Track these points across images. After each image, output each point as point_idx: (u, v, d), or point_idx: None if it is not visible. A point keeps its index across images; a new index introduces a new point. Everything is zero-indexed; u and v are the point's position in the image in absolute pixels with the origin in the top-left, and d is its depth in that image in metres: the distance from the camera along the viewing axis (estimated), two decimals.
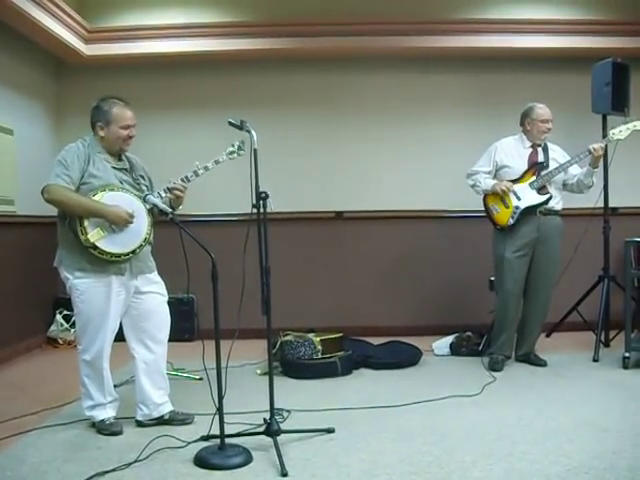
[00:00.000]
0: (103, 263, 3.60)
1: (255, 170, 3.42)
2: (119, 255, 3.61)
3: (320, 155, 6.72)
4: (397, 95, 6.72)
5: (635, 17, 6.38)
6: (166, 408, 3.88)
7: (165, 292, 3.94)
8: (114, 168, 3.74)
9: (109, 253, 3.57)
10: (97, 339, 3.68)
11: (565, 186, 5.23)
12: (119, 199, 3.60)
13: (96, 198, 3.56)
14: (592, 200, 5.70)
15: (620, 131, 5.00)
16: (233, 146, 3.91)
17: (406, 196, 6.69)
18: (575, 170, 5.15)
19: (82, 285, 3.63)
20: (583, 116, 6.05)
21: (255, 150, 3.43)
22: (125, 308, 3.78)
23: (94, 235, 3.54)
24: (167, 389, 3.94)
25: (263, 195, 3.43)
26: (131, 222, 3.60)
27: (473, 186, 5.30)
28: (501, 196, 5.11)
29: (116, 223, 3.57)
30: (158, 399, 3.85)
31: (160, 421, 3.83)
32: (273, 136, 6.30)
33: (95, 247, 3.55)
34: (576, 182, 5.16)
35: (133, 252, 3.67)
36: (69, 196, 3.54)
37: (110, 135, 3.72)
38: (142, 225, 3.70)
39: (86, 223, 3.54)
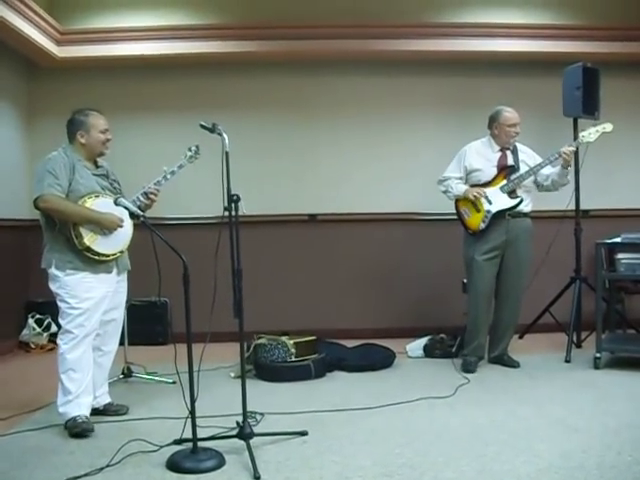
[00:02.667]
0: (94, 263, 3.84)
1: (227, 173, 3.41)
2: (109, 255, 3.89)
3: (292, 158, 6.73)
4: (369, 98, 6.74)
5: (605, 22, 6.47)
6: (104, 400, 4.12)
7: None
8: (94, 175, 3.98)
9: (101, 254, 3.84)
10: (82, 334, 3.79)
11: (539, 187, 5.27)
12: (110, 206, 3.75)
13: (87, 204, 3.80)
14: (564, 202, 5.78)
15: (590, 134, 5.05)
16: (190, 150, 4.26)
17: (379, 199, 6.72)
18: (547, 170, 5.17)
19: (72, 281, 3.79)
20: (554, 119, 6.11)
21: (227, 153, 3.42)
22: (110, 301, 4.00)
23: (89, 239, 3.78)
24: (106, 382, 4.19)
25: (235, 198, 3.42)
26: (122, 227, 3.87)
27: (445, 192, 5.33)
28: (472, 200, 5.14)
29: (109, 228, 3.85)
30: (98, 391, 4.05)
31: (95, 412, 3.98)
32: (245, 139, 6.35)
33: (89, 249, 3.79)
34: (551, 182, 5.19)
35: (121, 252, 3.99)
36: (67, 205, 3.76)
37: (92, 140, 3.96)
38: (128, 227, 3.96)
39: (80, 228, 3.77)
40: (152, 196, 4.11)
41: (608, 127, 5.05)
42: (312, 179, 6.72)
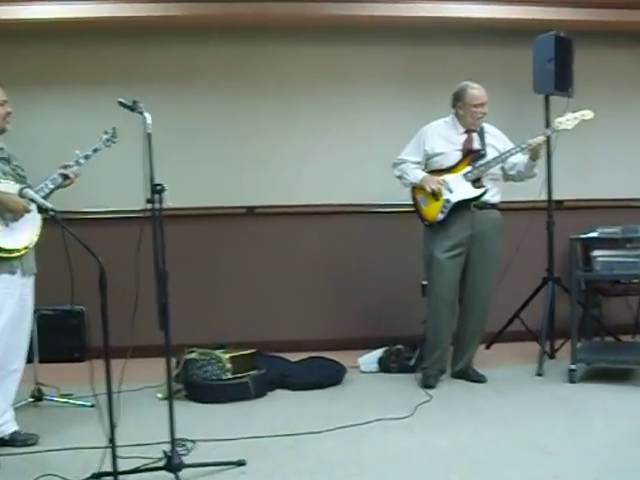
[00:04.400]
0: None
1: (149, 159, 3.39)
2: (12, 251, 3.80)
3: (227, 141, 6.67)
4: (318, 71, 6.72)
5: None
6: (9, 428, 4.02)
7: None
8: None
9: (3, 249, 3.75)
10: None
11: (505, 176, 5.32)
12: (11, 189, 3.75)
13: None
14: (534, 192, 5.89)
15: (567, 120, 5.09)
16: (107, 133, 4.24)
17: (328, 188, 6.69)
18: (515, 158, 5.21)
19: None
20: (524, 96, 6.22)
21: (149, 135, 3.41)
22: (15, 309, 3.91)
23: None
24: (12, 407, 4.10)
25: (159, 188, 3.41)
26: (29, 210, 3.78)
27: (400, 177, 5.35)
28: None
29: (14, 211, 3.75)
30: (1, 418, 3.99)
31: (0, 442, 3.96)
32: (173, 118, 6.29)
33: None
34: (516, 173, 5.27)
35: (26, 247, 3.89)
36: None
37: None
38: (35, 217, 3.91)
39: None
40: (72, 176, 4.07)
41: (588, 114, 5.11)
42: (251, 165, 6.66)
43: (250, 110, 6.70)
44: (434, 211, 5.19)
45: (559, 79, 5.87)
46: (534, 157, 5.13)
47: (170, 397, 3.52)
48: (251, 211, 6.68)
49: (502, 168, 5.29)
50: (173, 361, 4.32)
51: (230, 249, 6.67)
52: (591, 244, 5.41)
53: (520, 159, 5.24)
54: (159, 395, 5.03)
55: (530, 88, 6.01)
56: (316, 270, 6.75)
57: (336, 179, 6.72)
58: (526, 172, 5.24)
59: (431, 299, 5.30)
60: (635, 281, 5.90)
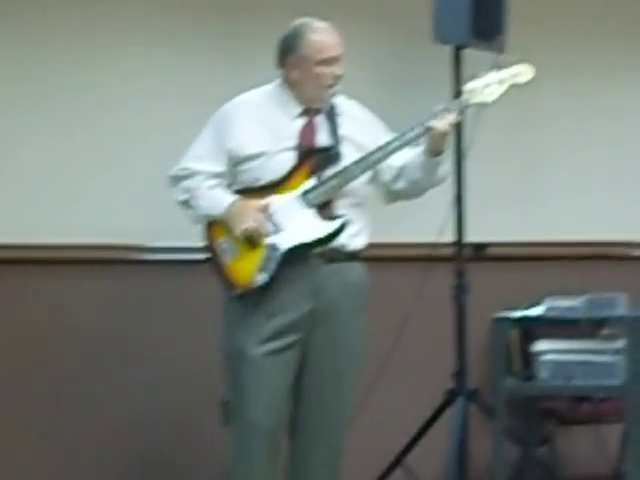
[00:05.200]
0: None
1: None
2: None
3: None
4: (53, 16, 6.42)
5: None
6: None
7: None
8: None
9: None
10: None
11: (389, 195, 5.14)
12: None
13: None
14: (432, 229, 5.84)
15: (486, 86, 4.92)
16: None
17: (53, 217, 6.38)
18: (400, 159, 4.97)
19: None
20: (419, 48, 6.29)
21: None
22: None
23: None
24: None
25: None
26: None
27: (185, 203, 5.03)
28: None
29: None
30: None
31: None
32: None
33: None
34: (408, 183, 5.02)
35: None
36: None
37: None
38: None
39: None
40: None
41: (524, 73, 4.94)
42: None
43: None
44: (249, 269, 4.88)
45: (479, 19, 5.86)
46: (435, 150, 4.87)
47: None
48: None
49: (377, 180, 5.06)
50: None
51: None
52: (533, 329, 5.39)
53: (410, 159, 4.98)
54: None
55: (429, 34, 5.99)
56: (21, 365, 6.36)
57: (66, 200, 6.43)
58: (427, 179, 4.99)
59: (238, 430, 5.00)
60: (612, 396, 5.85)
